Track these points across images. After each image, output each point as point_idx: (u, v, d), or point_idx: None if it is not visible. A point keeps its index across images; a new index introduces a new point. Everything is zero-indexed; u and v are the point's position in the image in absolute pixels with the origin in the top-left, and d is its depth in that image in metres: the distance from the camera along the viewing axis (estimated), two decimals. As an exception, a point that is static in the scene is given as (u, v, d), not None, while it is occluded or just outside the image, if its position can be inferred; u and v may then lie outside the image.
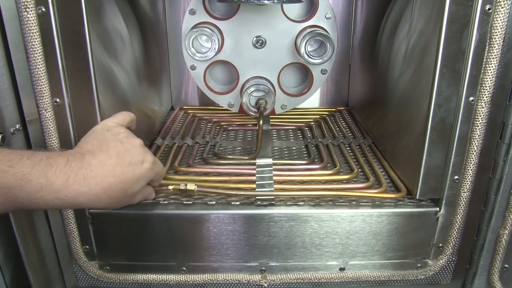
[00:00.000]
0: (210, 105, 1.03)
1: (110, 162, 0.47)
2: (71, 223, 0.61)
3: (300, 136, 0.90)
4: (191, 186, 0.61)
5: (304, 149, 0.83)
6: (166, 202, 0.63)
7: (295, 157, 0.80)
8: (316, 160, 0.77)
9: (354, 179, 0.69)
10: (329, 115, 1.00)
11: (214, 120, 0.97)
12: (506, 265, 0.64)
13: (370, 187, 0.66)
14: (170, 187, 0.62)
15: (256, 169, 0.70)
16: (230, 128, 0.94)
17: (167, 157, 0.76)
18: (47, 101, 0.54)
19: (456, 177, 0.60)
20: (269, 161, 0.73)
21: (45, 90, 0.54)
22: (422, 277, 0.65)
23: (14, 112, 0.54)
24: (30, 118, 0.55)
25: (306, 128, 0.94)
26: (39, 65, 0.53)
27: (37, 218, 0.60)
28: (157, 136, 0.86)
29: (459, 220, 0.62)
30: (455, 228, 0.62)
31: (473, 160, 0.58)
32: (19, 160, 0.41)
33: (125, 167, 0.48)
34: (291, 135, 0.91)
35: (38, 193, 0.42)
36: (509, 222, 0.60)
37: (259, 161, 0.73)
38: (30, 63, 0.53)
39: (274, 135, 0.91)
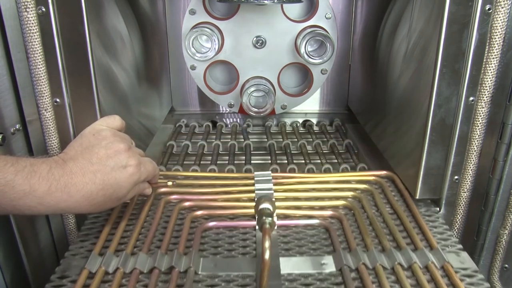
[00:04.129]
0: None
1: (91, 169, 0.47)
2: (71, 223, 0.61)
3: (327, 245, 0.52)
4: None
5: (338, 280, 0.47)
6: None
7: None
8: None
9: None
10: (365, 192, 0.63)
11: (186, 205, 0.59)
12: (506, 265, 0.64)
13: None
14: (169, 183, 0.60)
15: None
16: (211, 224, 0.56)
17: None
18: (47, 101, 0.55)
19: (456, 177, 0.60)
20: None
21: (45, 90, 0.54)
22: (422, 277, 0.64)
23: (14, 112, 0.54)
24: (30, 118, 0.55)
25: (332, 222, 0.56)
26: (39, 65, 0.53)
27: (37, 218, 0.60)
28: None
29: (459, 220, 0.62)
30: (455, 228, 0.62)
31: (473, 160, 0.58)
32: (3, 166, 0.42)
33: (107, 173, 0.47)
34: (311, 241, 0.53)
35: (21, 199, 0.42)
36: (509, 222, 0.60)
37: None
38: (30, 63, 0.53)
39: (283, 243, 0.53)
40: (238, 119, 1.05)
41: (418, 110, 0.59)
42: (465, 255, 0.50)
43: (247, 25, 0.88)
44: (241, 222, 0.57)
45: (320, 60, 0.86)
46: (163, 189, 0.62)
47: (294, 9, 0.89)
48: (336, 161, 0.83)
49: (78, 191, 0.45)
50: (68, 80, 0.54)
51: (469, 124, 0.57)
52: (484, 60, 0.53)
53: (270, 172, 0.64)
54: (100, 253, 0.50)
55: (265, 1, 0.76)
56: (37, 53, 0.52)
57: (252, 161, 0.83)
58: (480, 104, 0.55)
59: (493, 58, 0.53)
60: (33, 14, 0.51)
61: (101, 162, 0.47)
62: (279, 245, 0.53)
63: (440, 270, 0.47)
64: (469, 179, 0.59)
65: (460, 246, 0.52)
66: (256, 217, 0.47)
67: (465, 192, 0.60)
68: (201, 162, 0.82)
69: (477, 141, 0.57)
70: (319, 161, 0.82)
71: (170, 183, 0.61)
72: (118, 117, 0.54)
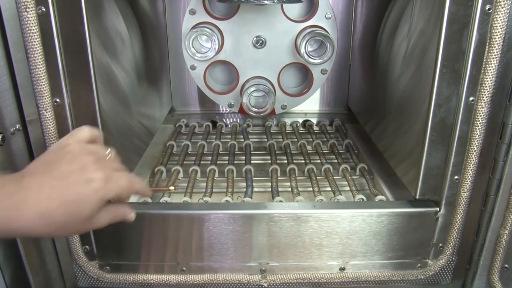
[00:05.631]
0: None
1: (50, 184, 0.41)
2: (71, 223, 0.61)
3: None
4: None
5: None
6: (166, 202, 0.63)
7: None
8: None
9: None
10: None
11: None
12: (506, 265, 0.64)
13: None
14: (172, 187, 0.60)
15: None
16: None
17: None
18: (47, 101, 0.54)
19: (456, 177, 0.60)
20: None
21: (45, 90, 0.54)
22: (422, 277, 0.65)
23: (14, 112, 0.54)
24: (30, 118, 0.55)
25: None
26: (39, 65, 0.53)
27: (37, 218, 0.60)
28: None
29: (459, 220, 0.62)
30: (455, 228, 0.62)
31: (473, 160, 0.58)
32: None
33: (66, 188, 0.41)
34: None
35: None
36: (509, 222, 0.60)
37: None
38: (30, 63, 0.53)
39: None
40: (238, 119, 1.05)
41: (418, 110, 0.59)
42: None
43: (247, 25, 0.87)
44: None
45: (320, 60, 0.85)
46: None
47: (294, 9, 0.89)
48: (336, 161, 0.83)
49: (30, 208, 0.40)
50: (68, 80, 0.54)
51: (469, 124, 0.57)
52: (484, 60, 0.53)
53: None
54: None
55: (265, 1, 0.76)
56: (37, 53, 0.52)
57: (252, 161, 0.83)
58: (480, 104, 0.55)
59: (493, 58, 0.53)
60: (33, 14, 0.50)
61: (62, 177, 0.42)
62: None
63: None
64: (469, 179, 0.59)
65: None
66: None
67: (465, 192, 0.60)
68: (201, 162, 0.83)
69: (477, 141, 0.57)
70: (319, 161, 0.82)
71: (172, 187, 0.60)
72: (87, 128, 0.48)
